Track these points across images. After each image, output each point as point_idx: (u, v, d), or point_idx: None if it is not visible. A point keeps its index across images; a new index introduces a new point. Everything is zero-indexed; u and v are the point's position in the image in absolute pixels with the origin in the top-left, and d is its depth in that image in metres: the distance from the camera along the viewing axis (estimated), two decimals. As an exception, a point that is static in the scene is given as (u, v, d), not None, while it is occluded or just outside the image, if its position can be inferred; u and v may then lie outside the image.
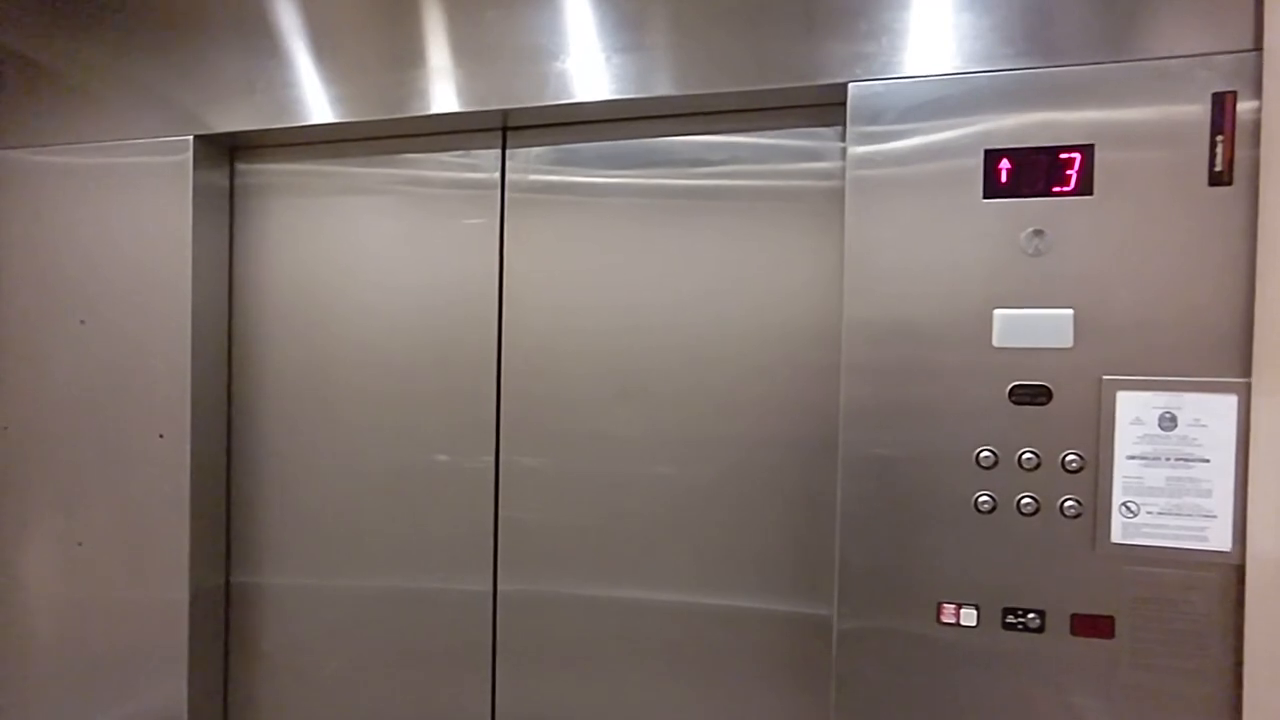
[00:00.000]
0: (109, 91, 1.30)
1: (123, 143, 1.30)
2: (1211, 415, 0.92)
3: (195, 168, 1.28)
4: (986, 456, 0.99)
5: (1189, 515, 0.93)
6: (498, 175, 1.23)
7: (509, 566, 1.25)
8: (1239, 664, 0.92)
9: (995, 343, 0.98)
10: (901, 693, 1.04)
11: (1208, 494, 0.93)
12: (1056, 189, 0.96)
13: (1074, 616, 0.97)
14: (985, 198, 0.98)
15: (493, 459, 1.24)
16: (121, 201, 1.31)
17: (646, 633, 1.20)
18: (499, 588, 1.25)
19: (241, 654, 1.38)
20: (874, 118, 1.02)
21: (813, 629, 1.13)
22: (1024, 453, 0.98)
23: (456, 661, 1.28)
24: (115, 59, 1.30)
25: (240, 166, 1.35)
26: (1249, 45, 0.91)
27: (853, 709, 1.06)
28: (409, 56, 1.17)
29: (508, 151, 1.23)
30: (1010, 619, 0.99)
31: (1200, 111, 0.92)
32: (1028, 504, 0.98)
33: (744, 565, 1.16)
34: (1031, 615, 0.99)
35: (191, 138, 1.27)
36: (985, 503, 0.99)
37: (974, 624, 1.00)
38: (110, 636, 1.35)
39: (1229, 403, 0.92)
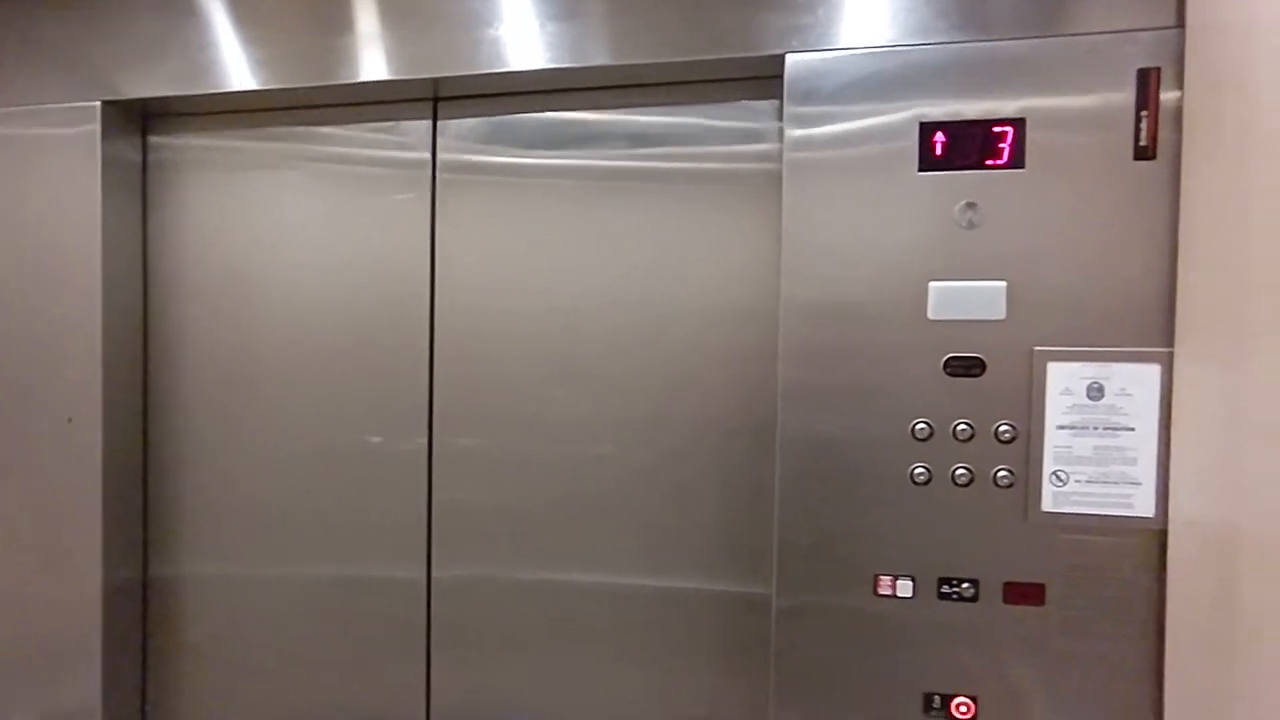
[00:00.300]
0: (6, 51, 1.23)
1: (24, 109, 1.23)
2: (1137, 384, 0.94)
3: (104, 138, 1.21)
4: (922, 429, 1.00)
5: (1115, 483, 0.96)
6: (429, 153, 1.20)
7: (444, 551, 1.22)
8: (1162, 627, 0.95)
9: (931, 315, 0.99)
10: (840, 666, 1.04)
11: (1133, 462, 0.95)
12: (990, 162, 0.97)
13: (1006, 585, 0.99)
14: (920, 170, 0.99)
15: (426, 441, 1.21)
16: (25, 173, 1.24)
17: (586, 616, 1.18)
18: (433, 573, 1.22)
19: (162, 648, 1.32)
20: (811, 92, 1.01)
21: (753, 608, 1.13)
22: (959, 424, 0.99)
23: (389, 650, 1.24)
24: (13, 13, 1.22)
25: (154, 140, 1.28)
26: (1172, 22, 0.93)
27: (792, 685, 1.06)
28: (336, 20, 1.13)
29: (439, 124, 1.20)
30: (945, 589, 1.01)
31: (1127, 87, 0.94)
32: (962, 475, 0.99)
33: (684, 547, 1.15)
34: (965, 585, 1.00)
35: (99, 104, 1.20)
36: (921, 475, 1.00)
37: (910, 595, 1.01)
38: (19, 633, 1.28)
39: (1153, 372, 0.94)
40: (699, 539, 1.14)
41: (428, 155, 1.20)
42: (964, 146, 0.98)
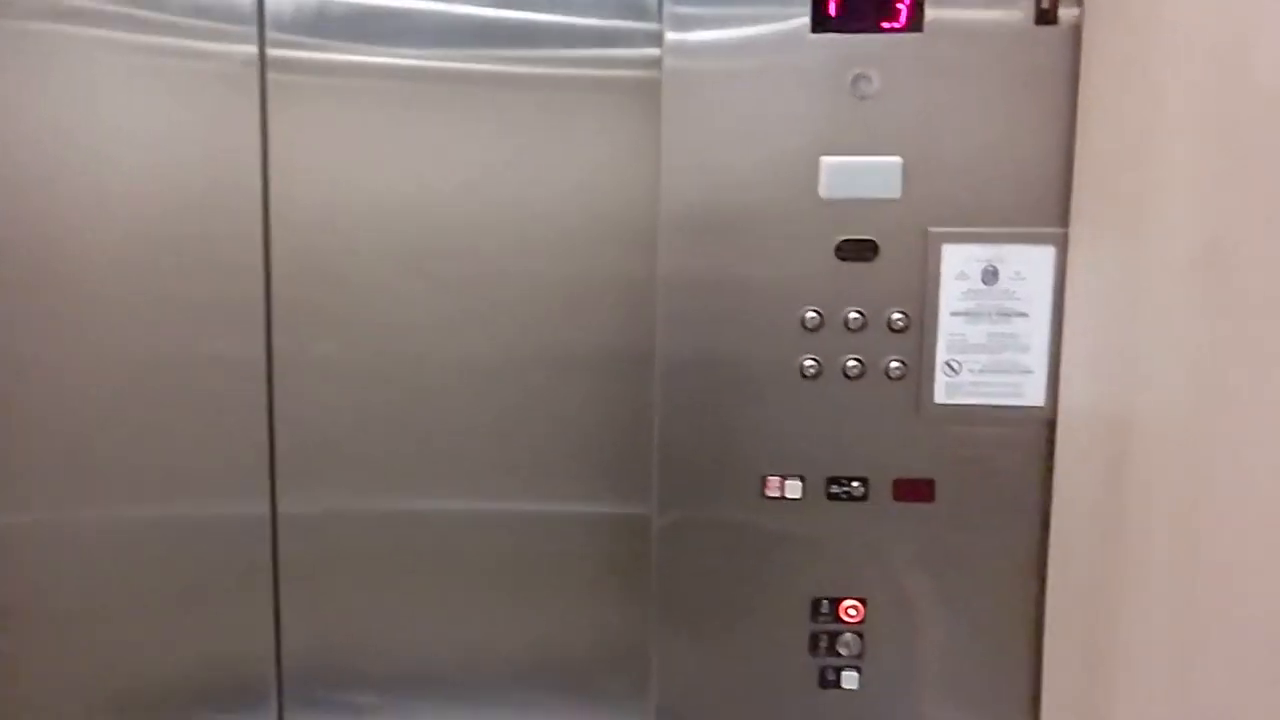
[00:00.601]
0: None
1: None
2: (1031, 267, 0.90)
3: None
4: (812, 318, 0.92)
5: (1007, 371, 0.92)
6: (255, 48, 0.98)
7: (290, 480, 1.05)
8: (1046, 515, 0.93)
9: (823, 193, 0.91)
10: (725, 580, 0.98)
11: (1025, 349, 0.91)
12: (886, 24, 0.89)
13: (896, 482, 0.94)
14: (813, 32, 0.89)
15: (264, 350, 1.02)
16: None
17: (453, 545, 1.05)
18: (278, 505, 1.05)
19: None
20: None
21: (635, 528, 1.04)
22: (850, 313, 0.92)
23: (231, 594, 1.07)
24: None
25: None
26: (1077, -125, 0.87)
27: (675, 604, 0.99)
28: None
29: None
30: (834, 488, 0.95)
31: (1030, -56, 0.88)
32: (853, 367, 0.93)
33: (559, 468, 1.03)
34: (855, 483, 0.95)
35: None
36: (811, 368, 0.93)
37: (799, 496, 0.95)
38: None
39: (1047, 254, 0.90)
40: (576, 459, 1.03)
41: (254, 51, 0.98)
42: (860, 6, 0.89)
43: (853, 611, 0.97)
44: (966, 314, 0.91)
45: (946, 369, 0.92)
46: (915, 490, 0.94)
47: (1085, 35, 0.87)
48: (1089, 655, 0.90)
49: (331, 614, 1.07)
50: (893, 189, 0.90)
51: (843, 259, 0.92)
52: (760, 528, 0.96)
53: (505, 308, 1.01)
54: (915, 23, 0.89)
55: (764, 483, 0.95)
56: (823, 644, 0.98)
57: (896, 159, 0.90)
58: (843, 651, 0.97)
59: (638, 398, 0.99)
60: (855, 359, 0.92)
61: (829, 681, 0.98)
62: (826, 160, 0.90)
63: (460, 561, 1.06)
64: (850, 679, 0.98)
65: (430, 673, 1.09)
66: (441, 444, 1.04)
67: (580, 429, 1.02)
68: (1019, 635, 0.95)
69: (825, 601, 0.97)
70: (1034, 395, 0.92)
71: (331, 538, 1.06)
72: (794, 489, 0.95)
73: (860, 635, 0.97)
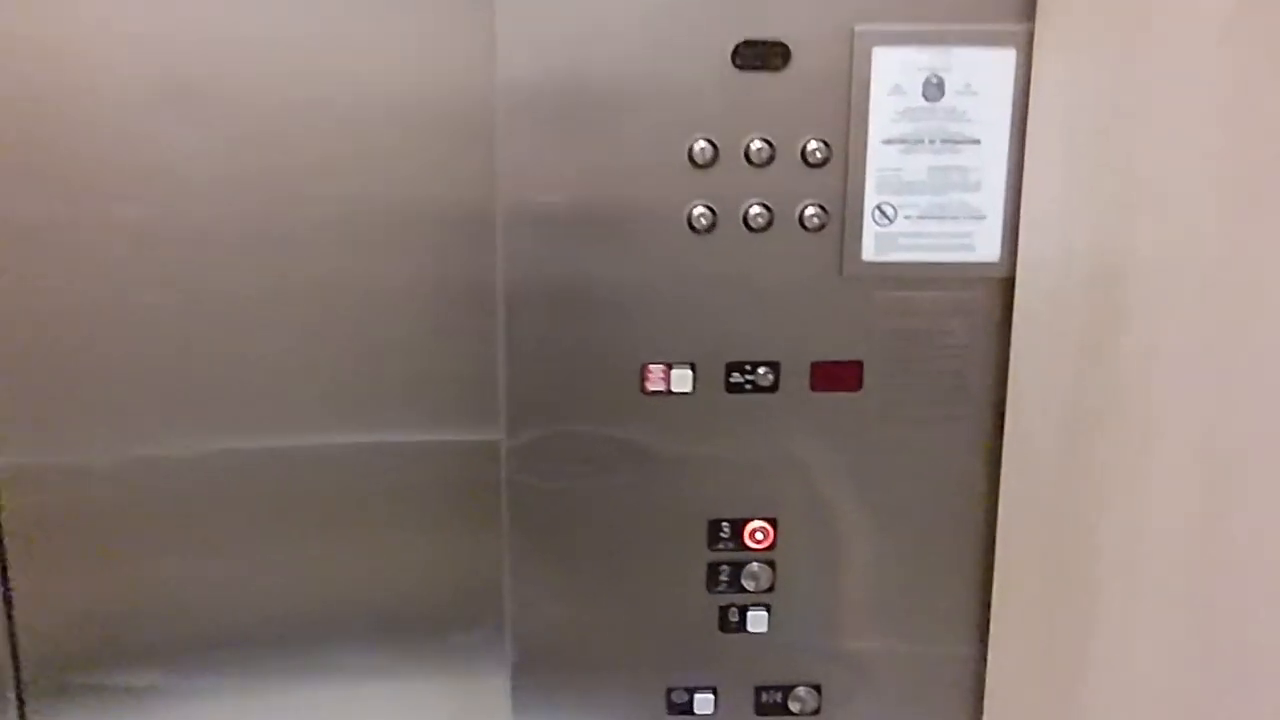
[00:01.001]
0: None
1: None
2: (985, 77, 0.69)
3: None
4: (703, 150, 0.69)
5: (954, 218, 0.71)
6: None
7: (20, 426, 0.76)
8: (1001, 403, 0.73)
9: (715, -25, 0.67)
10: (598, 504, 0.75)
11: (976, 187, 0.70)
12: None
13: (815, 366, 0.73)
14: None
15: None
16: None
17: (268, 488, 0.79)
18: None
19: None
20: None
21: (485, 454, 0.79)
22: (753, 141, 0.69)
23: None
24: None
25: None
26: None
27: (534, 538, 0.76)
28: None
29: None
30: (734, 377, 0.73)
31: None
32: (758, 214, 0.70)
33: (397, 393, 0.77)
34: (763, 370, 0.73)
35: None
36: (702, 217, 0.70)
37: (688, 389, 0.73)
38: None
39: (1006, 58, 0.69)
40: (415, 382, 0.77)
41: None
42: None
43: (760, 536, 0.76)
44: (903, 141, 0.69)
45: (877, 216, 0.70)
46: (838, 376, 0.73)
47: None
48: (1049, 579, 0.71)
49: (90, 578, 0.80)
50: (808, -31, 0.67)
51: (742, 68, 0.68)
52: (638, 435, 0.74)
53: (326, 222, 0.73)
54: None
55: (643, 374, 0.72)
56: (723, 578, 0.77)
57: (812, -72, 0.66)
58: (748, 586, 0.77)
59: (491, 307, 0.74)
60: (760, 204, 0.70)
61: (731, 624, 0.78)
62: (719, -71, 0.66)
63: (275, 506, 0.80)
64: (758, 619, 0.77)
65: (236, 640, 0.83)
66: (244, 375, 0.77)
67: (428, 346, 0.77)
68: (965, 556, 0.76)
69: (725, 524, 0.76)
70: (987, 249, 0.71)
71: (123, 488, 0.78)
72: (682, 380, 0.72)
73: (770, 565, 0.76)
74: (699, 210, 0.70)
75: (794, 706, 0.80)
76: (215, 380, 0.76)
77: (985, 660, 0.77)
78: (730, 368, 0.73)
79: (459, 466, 0.78)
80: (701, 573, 0.77)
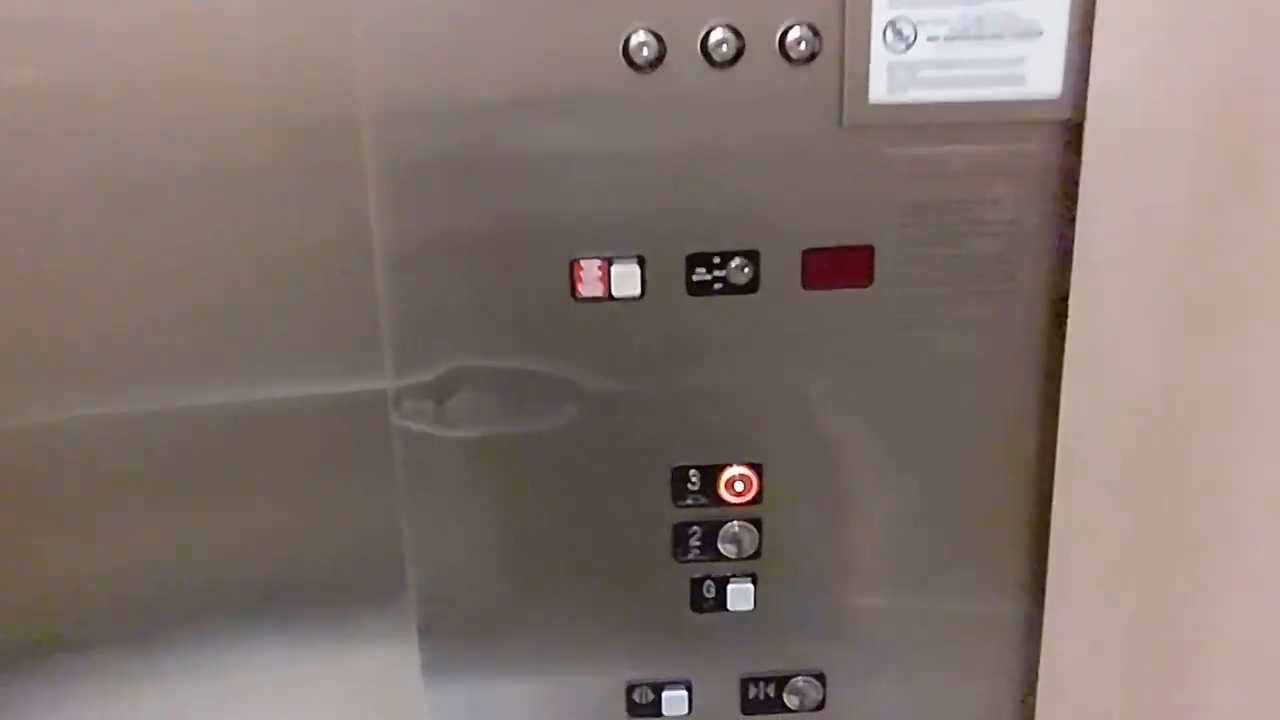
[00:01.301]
0: None
1: None
2: None
3: None
4: (644, -58, 0.49)
5: (997, 36, 0.51)
6: None
7: None
8: (1061, 298, 0.54)
9: None
10: (513, 446, 0.56)
11: (1027, -8, 0.50)
12: None
13: (808, 256, 0.53)
14: None
15: None
16: None
17: (148, 453, 0.59)
18: None
19: None
20: None
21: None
22: (713, -66, 0.49)
23: None
24: None
25: None
26: None
27: (432, 487, 0.57)
28: None
29: None
30: (700, 273, 0.53)
31: None
32: (722, 42, 0.49)
33: (276, 345, 0.58)
34: (737, 262, 0.53)
35: None
36: (645, 47, 0.50)
37: (636, 292, 0.53)
38: None
39: None
40: (296, 329, 0.57)
41: None
42: None
43: (740, 487, 0.57)
44: (925, -73, 0.49)
45: (890, 37, 0.50)
46: (840, 268, 0.53)
47: None
48: (1131, 531, 0.53)
49: None
50: None
51: None
52: (570, 360, 0.54)
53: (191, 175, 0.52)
54: None
55: (574, 274, 0.53)
56: (694, 543, 0.58)
57: None
58: (727, 552, 0.58)
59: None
60: (727, 28, 0.49)
61: (707, 601, 0.60)
62: None
63: (140, 475, 0.61)
64: (741, 594, 0.59)
65: (91, 638, 0.65)
66: (107, 337, 0.56)
67: (307, 286, 0.56)
68: (1012, 500, 0.58)
69: (694, 473, 0.57)
70: (1043, 79, 0.51)
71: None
72: (626, 281, 0.53)
73: (755, 525, 0.58)
74: (640, 38, 0.49)
75: (791, 701, 0.62)
76: (75, 344, 0.56)
77: (1037, 636, 0.60)
78: (692, 261, 0.53)
79: (348, 421, 0.58)
80: (665, 537, 0.59)
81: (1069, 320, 0.53)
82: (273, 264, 0.55)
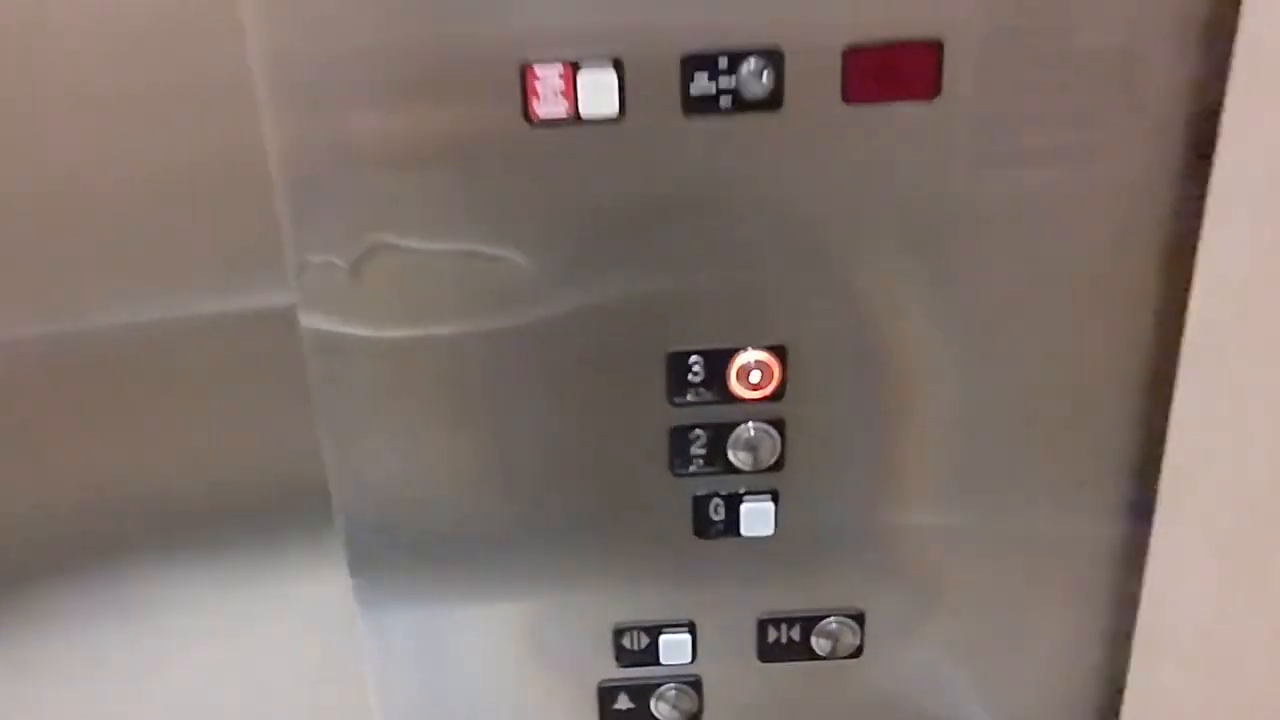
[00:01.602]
0: None
1: None
2: None
3: None
4: None
5: None
6: None
7: None
8: (1206, 115, 0.39)
9: None
10: (448, 342, 0.43)
11: None
12: None
13: (849, 57, 0.39)
14: None
15: None
16: None
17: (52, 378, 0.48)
18: None
19: None
20: None
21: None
22: None
23: None
24: None
25: None
26: None
27: (351, 394, 0.44)
28: None
29: None
30: (700, 83, 0.38)
31: None
32: None
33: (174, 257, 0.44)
34: (751, 66, 0.38)
35: None
36: None
37: (613, 111, 0.39)
38: None
39: None
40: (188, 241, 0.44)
41: None
42: None
43: (757, 378, 0.44)
44: None
45: None
46: (894, 73, 0.38)
47: None
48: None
49: None
50: None
51: None
52: (519, 213, 0.41)
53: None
54: None
55: (526, 85, 0.38)
56: (697, 451, 0.45)
57: None
58: (740, 463, 0.45)
59: None
60: None
61: (715, 525, 0.47)
62: None
63: (44, 401, 0.49)
64: (758, 515, 0.46)
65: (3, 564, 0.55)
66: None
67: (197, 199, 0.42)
68: (1118, 389, 0.44)
69: (696, 360, 0.44)
70: None
71: None
72: (599, 93, 0.38)
73: (776, 426, 0.45)
74: None
75: (820, 647, 0.49)
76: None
77: (1138, 569, 0.46)
78: (689, 65, 0.38)
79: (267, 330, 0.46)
80: (661, 444, 0.46)
81: (1219, 146, 0.38)
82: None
